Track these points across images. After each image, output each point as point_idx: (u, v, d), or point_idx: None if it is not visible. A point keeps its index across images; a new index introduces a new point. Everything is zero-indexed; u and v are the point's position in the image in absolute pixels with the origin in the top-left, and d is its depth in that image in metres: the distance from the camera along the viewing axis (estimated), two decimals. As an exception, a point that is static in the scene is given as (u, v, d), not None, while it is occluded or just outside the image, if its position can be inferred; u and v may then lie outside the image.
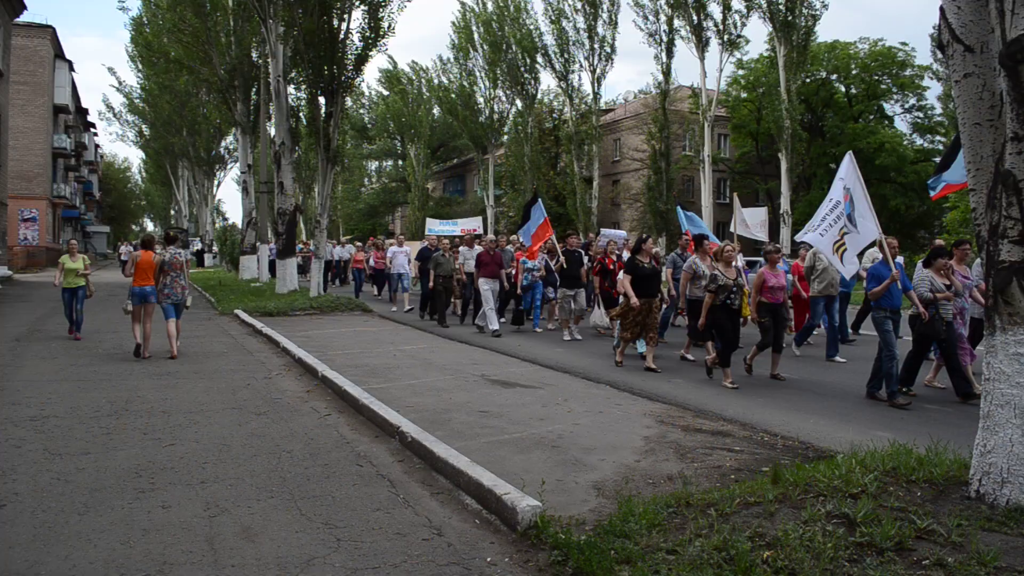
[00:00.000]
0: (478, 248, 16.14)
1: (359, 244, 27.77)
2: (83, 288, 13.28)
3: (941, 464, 5.09)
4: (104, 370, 10.24)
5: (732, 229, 13.85)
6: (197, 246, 50.52)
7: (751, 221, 14.27)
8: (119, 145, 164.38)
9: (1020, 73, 4.06)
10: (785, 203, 31.89)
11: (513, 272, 15.36)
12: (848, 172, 9.05)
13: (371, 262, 23.69)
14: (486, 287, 14.47)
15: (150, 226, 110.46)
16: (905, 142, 41.32)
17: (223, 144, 47.12)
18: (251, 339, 13.80)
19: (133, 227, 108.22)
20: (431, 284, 16.01)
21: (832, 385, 9.67)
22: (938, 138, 40.84)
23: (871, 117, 42.48)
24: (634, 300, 10.39)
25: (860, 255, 9.76)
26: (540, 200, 15.95)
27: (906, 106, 42.42)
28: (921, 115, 42.07)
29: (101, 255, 68.63)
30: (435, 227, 23.07)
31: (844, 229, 8.92)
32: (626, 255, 14.80)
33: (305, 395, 8.79)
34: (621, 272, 11.40)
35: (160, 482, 5.48)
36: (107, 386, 9.09)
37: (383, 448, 6.50)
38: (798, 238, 10.59)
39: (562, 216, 43.31)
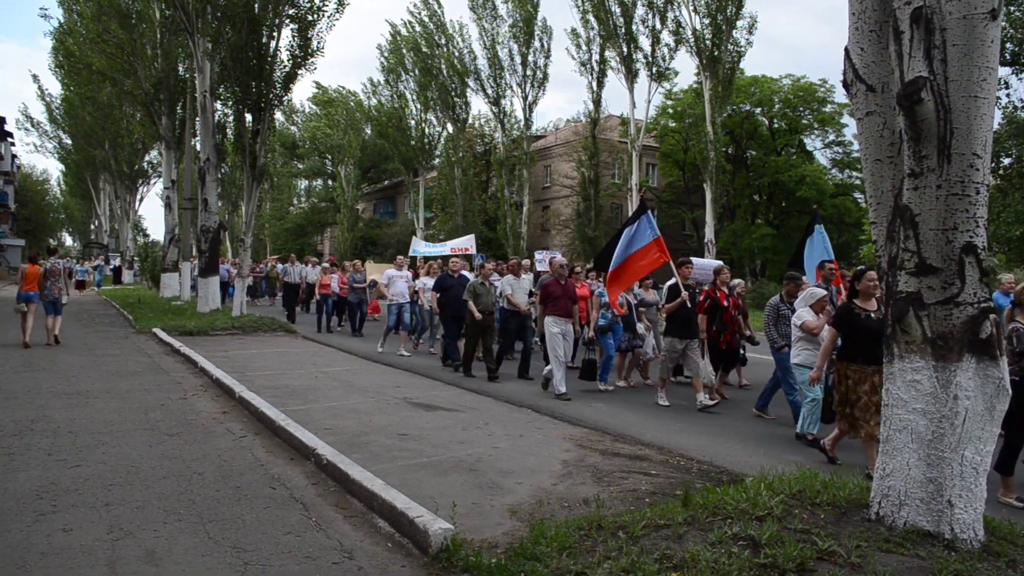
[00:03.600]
0: (527, 276, 13.13)
1: (324, 264, 21.21)
2: None
3: (844, 487, 5.25)
4: (10, 388, 9.84)
5: None
6: (117, 262, 49.08)
7: None
8: (38, 156, 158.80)
9: (916, 113, 4.26)
10: (709, 232, 32.59)
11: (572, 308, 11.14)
12: None
13: (335, 286, 18.93)
14: (555, 329, 10.61)
15: (68, 240, 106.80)
16: (826, 176, 42.67)
17: (146, 159, 45.93)
18: (168, 359, 13.43)
19: (51, 241, 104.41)
20: (478, 319, 11.86)
21: (748, 408, 9.83)
22: (855, 174, 42.22)
23: (793, 151, 43.77)
24: (816, 372, 7.51)
25: None
26: (649, 212, 10.93)
27: (826, 141, 43.86)
28: (840, 151, 43.53)
29: (14, 269, 65.92)
30: (421, 248, 19.17)
31: None
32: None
33: (221, 416, 8.59)
34: (806, 317, 8.14)
35: (62, 504, 5.30)
36: (12, 405, 8.74)
37: (298, 471, 6.39)
38: None
39: (492, 240, 43.50)
